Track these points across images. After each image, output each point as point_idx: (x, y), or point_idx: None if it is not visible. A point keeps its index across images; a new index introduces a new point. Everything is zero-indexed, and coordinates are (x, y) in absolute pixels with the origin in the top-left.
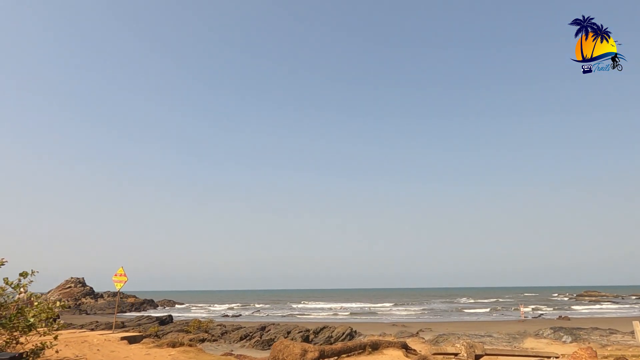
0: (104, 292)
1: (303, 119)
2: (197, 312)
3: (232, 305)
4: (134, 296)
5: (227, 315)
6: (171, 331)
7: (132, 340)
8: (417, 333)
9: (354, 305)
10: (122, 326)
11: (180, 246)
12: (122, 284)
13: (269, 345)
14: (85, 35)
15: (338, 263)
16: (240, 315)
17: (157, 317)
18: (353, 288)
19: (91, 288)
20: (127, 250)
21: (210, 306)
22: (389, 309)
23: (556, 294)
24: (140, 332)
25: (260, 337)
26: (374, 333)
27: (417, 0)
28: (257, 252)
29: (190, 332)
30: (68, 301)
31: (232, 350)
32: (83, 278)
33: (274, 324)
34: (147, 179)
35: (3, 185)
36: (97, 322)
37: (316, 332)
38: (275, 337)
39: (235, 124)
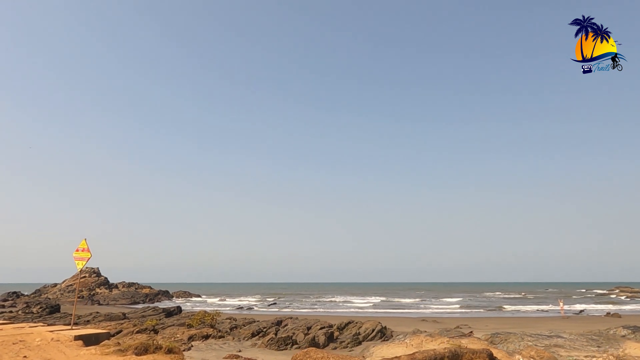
0: (119, 283)
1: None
2: (212, 305)
3: (252, 297)
4: (149, 287)
5: (241, 308)
6: (172, 325)
7: (89, 340)
8: (471, 333)
9: (374, 299)
10: (123, 317)
11: (200, 239)
12: (84, 262)
13: (286, 344)
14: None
15: (352, 257)
16: (253, 308)
17: (164, 309)
18: (370, 282)
19: (106, 278)
20: (144, 242)
21: (225, 299)
22: (415, 303)
23: (583, 290)
24: (136, 325)
25: (276, 334)
26: (406, 329)
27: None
28: (276, 247)
29: (193, 327)
30: (82, 291)
31: (239, 351)
32: (98, 268)
33: (291, 318)
34: (164, 169)
35: (47, 174)
36: (97, 312)
37: (340, 328)
38: (294, 333)
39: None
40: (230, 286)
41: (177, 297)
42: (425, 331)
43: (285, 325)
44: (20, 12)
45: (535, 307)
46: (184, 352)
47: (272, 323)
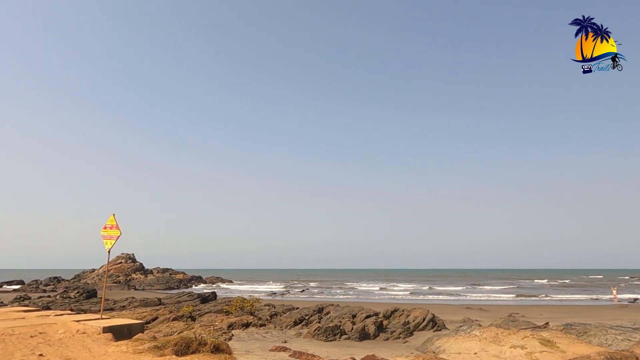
0: (154, 268)
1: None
2: (244, 290)
3: (280, 283)
4: (183, 272)
5: (274, 293)
6: (209, 311)
7: (119, 333)
8: (547, 324)
9: (409, 285)
10: (158, 303)
11: (230, 225)
12: (113, 241)
13: (334, 335)
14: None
15: (380, 244)
16: (288, 292)
17: (198, 294)
18: (399, 268)
19: (141, 264)
20: (177, 228)
21: (257, 284)
22: (454, 290)
23: (626, 277)
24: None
25: (319, 322)
26: (453, 318)
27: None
28: (307, 233)
29: (231, 314)
30: (119, 277)
31: (285, 341)
32: (133, 254)
33: (332, 305)
34: (199, 156)
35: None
36: (133, 298)
37: (387, 316)
38: (340, 322)
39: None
40: (255, 272)
41: (210, 282)
42: (477, 320)
43: (328, 313)
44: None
45: (586, 296)
46: (216, 339)
47: (314, 310)
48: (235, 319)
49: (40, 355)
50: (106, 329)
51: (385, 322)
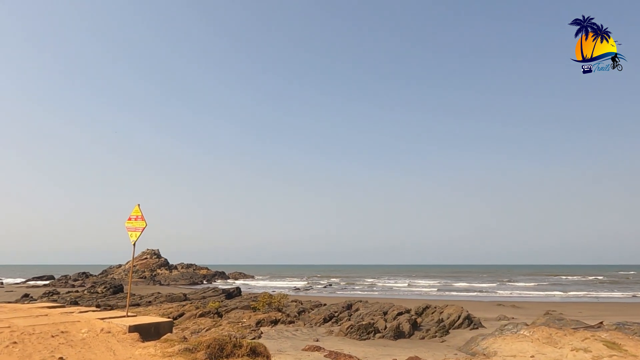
0: (178, 264)
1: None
2: (267, 286)
3: (301, 279)
4: (206, 268)
5: (297, 289)
6: (235, 307)
7: (147, 332)
8: (601, 323)
9: (433, 281)
10: (184, 298)
11: (250, 220)
12: (139, 233)
13: (368, 333)
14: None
15: (399, 240)
16: (311, 288)
17: (223, 290)
18: (418, 264)
19: (166, 260)
20: (201, 224)
21: (279, 280)
22: (481, 286)
23: None
24: (194, 308)
25: (350, 319)
26: (486, 315)
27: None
28: (325, 229)
29: (259, 310)
30: (144, 272)
31: (317, 340)
32: (158, 250)
33: (361, 302)
34: (223, 157)
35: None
36: (158, 293)
37: (419, 314)
38: (373, 319)
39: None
40: (274, 268)
41: (232, 278)
42: (513, 318)
43: (357, 309)
44: (112, 23)
45: (623, 293)
46: (251, 340)
47: (343, 307)
48: (264, 316)
49: (61, 358)
50: (132, 328)
51: (418, 320)
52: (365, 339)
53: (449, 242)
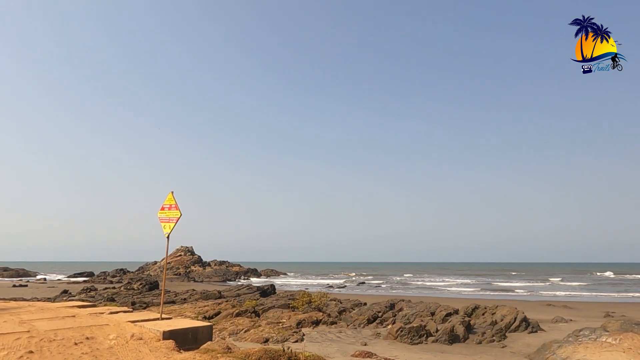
0: (211, 261)
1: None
2: (301, 284)
3: (332, 276)
4: (239, 265)
5: (330, 287)
6: (273, 306)
7: (183, 339)
8: None
9: (468, 280)
10: (219, 296)
11: (276, 218)
12: (173, 224)
13: (420, 337)
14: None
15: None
16: (345, 286)
17: (258, 287)
18: (446, 262)
19: (199, 257)
20: (231, 223)
21: (312, 277)
22: (526, 285)
23: None
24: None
25: (395, 319)
26: (541, 317)
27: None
28: (356, 225)
29: (298, 309)
30: (179, 269)
31: (365, 344)
32: (192, 247)
33: (403, 301)
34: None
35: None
36: (193, 290)
37: (468, 314)
38: (423, 321)
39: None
40: (302, 265)
41: (265, 275)
42: (571, 319)
43: (401, 309)
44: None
45: None
46: (294, 343)
47: (385, 307)
48: (304, 316)
49: None
50: (167, 334)
51: (471, 322)
52: (417, 343)
53: (474, 239)
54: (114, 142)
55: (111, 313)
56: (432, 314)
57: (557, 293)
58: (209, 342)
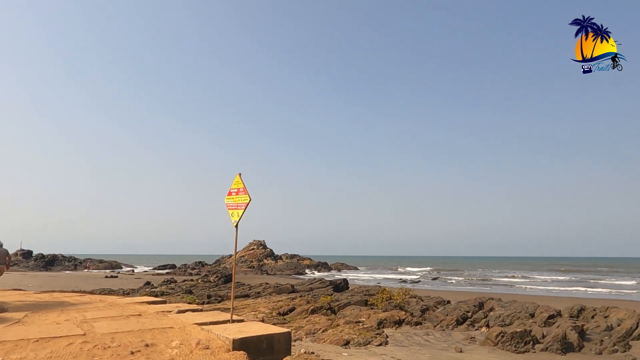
0: (282, 254)
1: None
2: (374, 278)
3: (408, 270)
4: (309, 258)
5: (404, 281)
6: (348, 302)
7: (257, 349)
8: None
9: (547, 276)
10: (292, 290)
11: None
12: (241, 212)
13: (525, 344)
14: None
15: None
16: (420, 281)
17: (330, 282)
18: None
19: (271, 250)
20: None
21: (382, 272)
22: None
23: None
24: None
25: (487, 321)
26: None
27: None
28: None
29: (376, 307)
30: (252, 262)
31: (460, 350)
32: (264, 241)
33: (493, 299)
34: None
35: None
36: (267, 283)
37: (574, 316)
38: (524, 324)
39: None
40: (371, 259)
41: (335, 269)
42: None
43: (492, 308)
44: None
45: None
46: (378, 347)
47: (474, 306)
48: (385, 315)
49: None
50: (237, 344)
51: (585, 325)
52: (522, 352)
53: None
54: (200, 138)
55: (179, 312)
56: (532, 315)
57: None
58: (287, 358)
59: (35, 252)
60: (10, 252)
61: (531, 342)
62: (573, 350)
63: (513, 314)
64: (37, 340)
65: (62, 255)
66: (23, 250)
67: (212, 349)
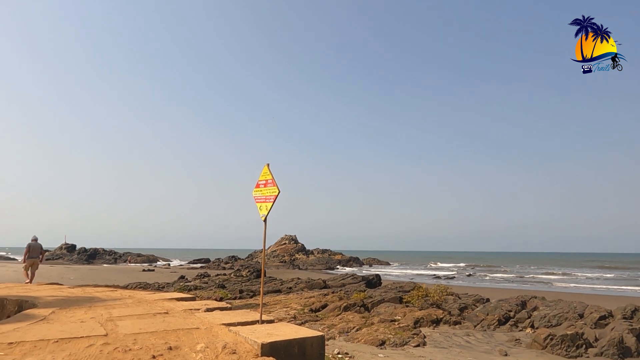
0: (314, 249)
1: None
2: (406, 274)
3: (441, 266)
4: (341, 253)
5: (437, 277)
6: (382, 299)
7: (288, 354)
8: None
9: (607, 274)
10: (324, 285)
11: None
12: (270, 205)
13: (577, 347)
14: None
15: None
16: (455, 277)
17: (362, 277)
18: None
19: (303, 245)
20: (327, 212)
21: (415, 267)
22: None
23: None
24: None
25: (532, 321)
26: None
27: None
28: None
29: (412, 304)
30: (284, 257)
31: (505, 353)
32: (295, 236)
33: (536, 297)
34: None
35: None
36: (298, 278)
37: (627, 317)
38: (574, 325)
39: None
40: (403, 254)
41: (367, 264)
42: None
43: (535, 308)
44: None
45: None
46: (415, 348)
47: (516, 304)
48: (421, 313)
49: None
50: (266, 348)
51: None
52: (574, 357)
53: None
54: (218, 141)
55: (207, 310)
56: (580, 316)
57: None
58: None
59: (78, 246)
60: (55, 246)
61: (584, 346)
62: (631, 355)
63: (560, 314)
64: (57, 341)
65: (103, 249)
66: (67, 244)
67: (239, 354)
